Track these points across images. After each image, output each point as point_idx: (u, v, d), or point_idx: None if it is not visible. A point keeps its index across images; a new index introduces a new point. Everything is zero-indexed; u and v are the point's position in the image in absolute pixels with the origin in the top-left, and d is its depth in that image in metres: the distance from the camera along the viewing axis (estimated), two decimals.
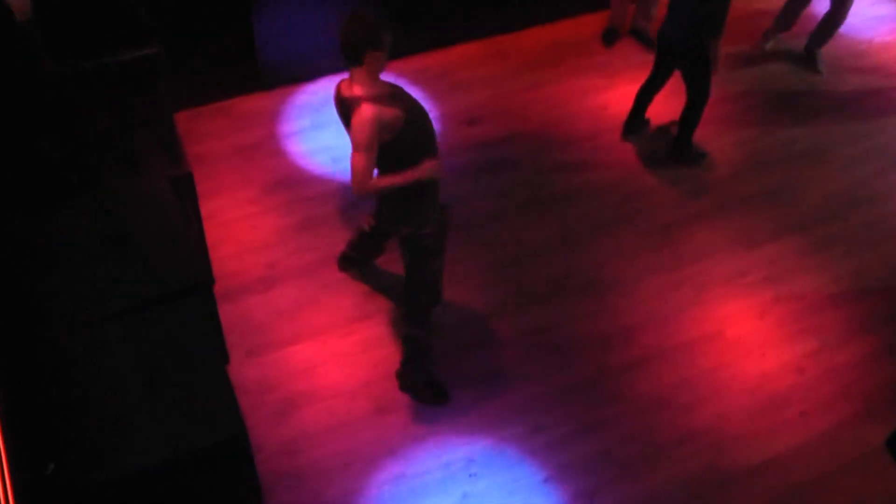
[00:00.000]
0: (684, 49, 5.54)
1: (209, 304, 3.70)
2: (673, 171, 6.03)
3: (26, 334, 3.25)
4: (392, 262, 5.14)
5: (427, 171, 3.94)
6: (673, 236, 5.62)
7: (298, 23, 6.14)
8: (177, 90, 4.93)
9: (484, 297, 5.21)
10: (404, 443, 4.53)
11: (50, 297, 3.34)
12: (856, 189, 6.03)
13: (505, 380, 4.83)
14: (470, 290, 5.23)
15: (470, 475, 4.43)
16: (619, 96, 6.53)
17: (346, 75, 3.95)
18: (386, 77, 4.24)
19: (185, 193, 4.27)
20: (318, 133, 6.08)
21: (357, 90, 3.77)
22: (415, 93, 6.00)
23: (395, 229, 4.26)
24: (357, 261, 5.19)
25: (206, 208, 5.08)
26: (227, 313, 4.84)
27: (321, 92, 6.37)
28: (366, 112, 3.69)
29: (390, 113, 3.73)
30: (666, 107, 6.39)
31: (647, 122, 6.30)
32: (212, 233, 5.23)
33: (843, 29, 6.74)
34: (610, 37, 7.00)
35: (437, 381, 4.72)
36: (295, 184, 5.75)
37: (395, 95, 3.81)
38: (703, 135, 6.23)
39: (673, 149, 6.06)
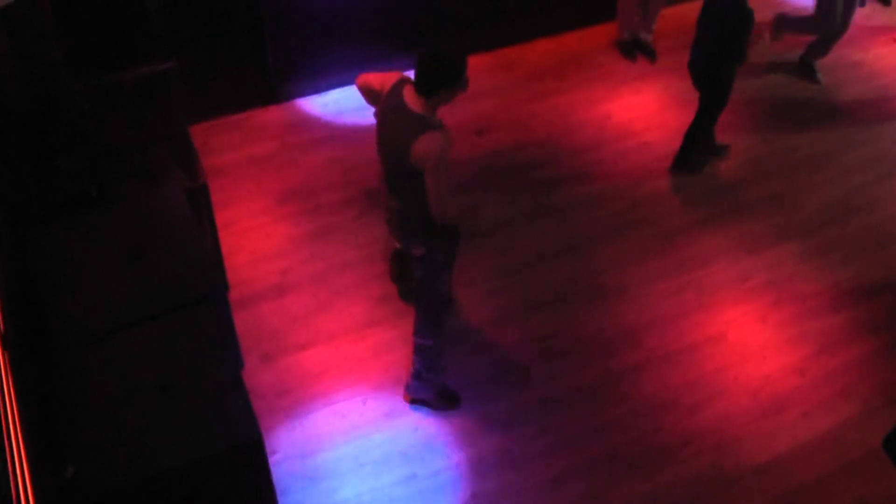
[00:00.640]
0: (706, 74, 5.66)
1: (224, 310, 3.72)
2: (676, 180, 6.10)
3: (48, 342, 3.26)
4: None
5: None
6: (676, 243, 5.69)
7: (310, 37, 6.23)
8: (192, 104, 5.00)
9: (492, 301, 5.29)
10: (415, 444, 4.61)
11: (71, 307, 3.36)
12: (854, 195, 6.08)
13: (513, 382, 4.91)
14: (479, 296, 5.31)
15: (478, 475, 4.50)
16: (622, 106, 6.61)
17: (379, 74, 4.09)
18: None
19: (201, 204, 4.34)
20: (330, 144, 6.17)
21: (424, 110, 3.87)
22: None
23: (407, 250, 4.36)
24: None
25: (221, 218, 5.14)
26: (242, 319, 4.90)
27: (332, 104, 6.46)
28: (445, 138, 3.84)
29: (450, 144, 3.91)
30: (678, 117, 6.48)
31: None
32: (227, 241, 5.30)
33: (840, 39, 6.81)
34: (629, 49, 7.02)
35: (449, 388, 4.78)
36: (307, 194, 5.83)
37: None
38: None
39: (676, 159, 6.13)
